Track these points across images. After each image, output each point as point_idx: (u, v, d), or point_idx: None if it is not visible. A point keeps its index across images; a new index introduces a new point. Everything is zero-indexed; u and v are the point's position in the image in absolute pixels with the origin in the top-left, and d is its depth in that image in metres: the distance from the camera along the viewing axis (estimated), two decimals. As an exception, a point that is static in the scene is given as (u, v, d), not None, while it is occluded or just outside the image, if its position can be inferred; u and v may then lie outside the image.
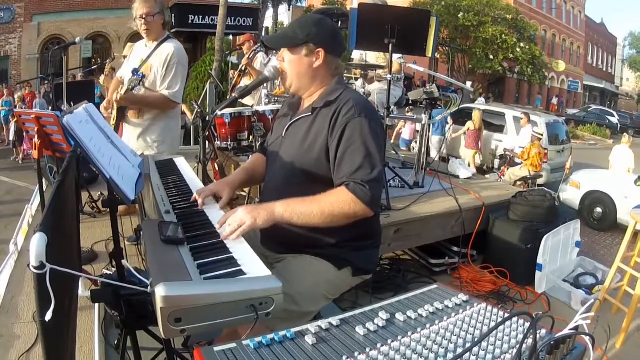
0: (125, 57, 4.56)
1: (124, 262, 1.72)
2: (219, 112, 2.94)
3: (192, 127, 10.60)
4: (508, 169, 10.79)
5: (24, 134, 9.69)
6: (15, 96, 15.37)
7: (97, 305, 2.80)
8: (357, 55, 5.22)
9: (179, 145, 4.23)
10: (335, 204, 1.86)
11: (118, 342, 2.05)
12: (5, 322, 2.90)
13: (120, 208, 3.39)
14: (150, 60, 3.72)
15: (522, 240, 3.98)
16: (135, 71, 3.56)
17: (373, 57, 5.27)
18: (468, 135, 12.41)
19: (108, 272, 3.27)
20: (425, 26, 4.14)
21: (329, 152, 1.99)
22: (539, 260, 3.86)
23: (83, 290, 2.71)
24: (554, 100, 37.73)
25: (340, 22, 4.92)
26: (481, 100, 23.79)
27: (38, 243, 1.21)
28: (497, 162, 12.42)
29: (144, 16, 3.59)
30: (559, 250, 4.08)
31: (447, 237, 4.15)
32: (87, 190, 4.45)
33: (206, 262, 1.48)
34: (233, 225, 1.72)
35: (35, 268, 1.20)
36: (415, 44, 4.18)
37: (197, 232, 1.67)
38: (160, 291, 1.24)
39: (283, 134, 2.20)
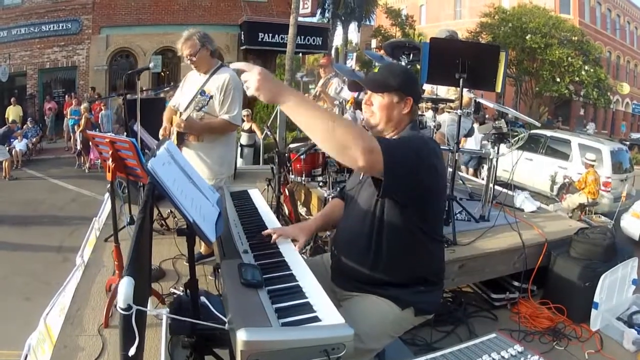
0: None
1: (202, 298, 1.79)
2: (292, 146, 3.03)
3: (261, 146, 10.71)
4: (567, 195, 10.55)
5: (90, 143, 10.01)
6: (82, 106, 15.89)
7: (164, 324, 2.88)
8: (427, 87, 5.23)
9: (234, 166, 4.42)
10: (346, 125, 1.77)
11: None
12: (70, 333, 2.98)
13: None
14: (206, 87, 3.84)
15: (580, 278, 3.91)
16: (202, 92, 3.75)
17: (443, 89, 5.31)
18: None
19: (176, 292, 3.38)
20: (495, 61, 4.14)
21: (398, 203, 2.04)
22: (596, 298, 3.78)
23: (151, 308, 2.79)
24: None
25: (412, 55, 4.96)
26: (591, 125, 22.81)
27: (126, 287, 1.32)
28: (555, 187, 12.23)
29: (188, 57, 3.80)
30: (615, 289, 3.99)
31: (510, 272, 4.10)
32: (157, 207, 4.48)
33: (284, 306, 1.54)
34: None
35: (123, 310, 1.31)
36: (485, 78, 4.16)
37: (274, 274, 1.74)
38: (241, 335, 1.32)
39: (360, 181, 2.27)
